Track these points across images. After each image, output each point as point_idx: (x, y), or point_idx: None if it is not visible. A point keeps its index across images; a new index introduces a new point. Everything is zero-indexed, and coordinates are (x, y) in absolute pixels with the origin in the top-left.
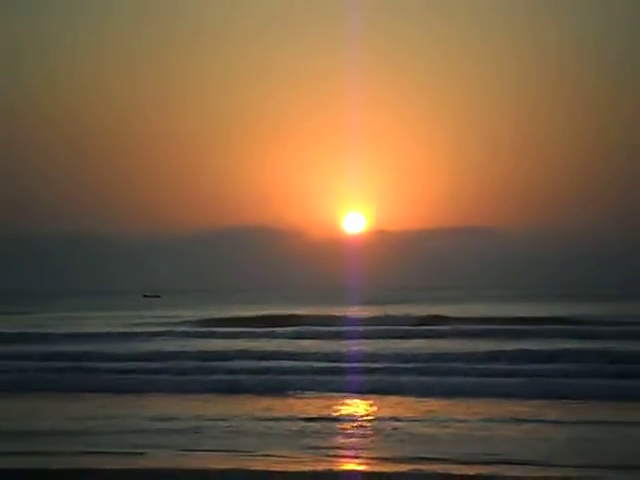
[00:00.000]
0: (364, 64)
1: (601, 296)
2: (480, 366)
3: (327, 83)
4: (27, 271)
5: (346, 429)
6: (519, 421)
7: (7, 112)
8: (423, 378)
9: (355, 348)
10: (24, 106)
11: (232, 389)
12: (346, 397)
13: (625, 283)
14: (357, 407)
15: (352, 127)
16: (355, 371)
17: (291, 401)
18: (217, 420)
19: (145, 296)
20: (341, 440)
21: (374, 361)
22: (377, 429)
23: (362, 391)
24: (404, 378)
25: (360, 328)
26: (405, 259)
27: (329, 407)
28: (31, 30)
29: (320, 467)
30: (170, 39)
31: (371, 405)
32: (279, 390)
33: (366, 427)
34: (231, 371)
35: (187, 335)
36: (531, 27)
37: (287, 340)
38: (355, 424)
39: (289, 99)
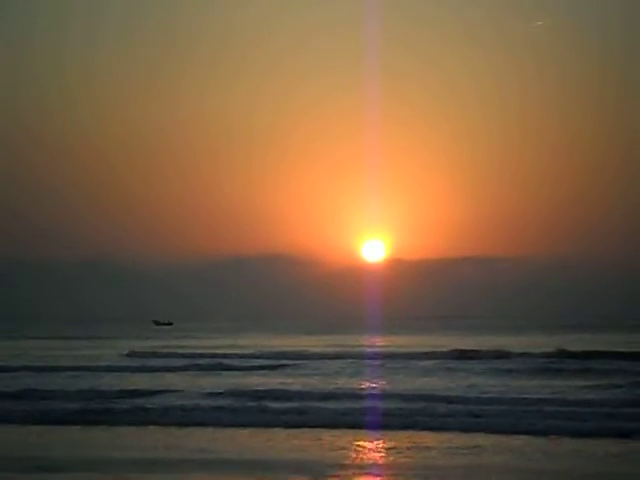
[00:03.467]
0: (383, 95)
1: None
2: None
3: (346, 112)
4: (42, 296)
5: None
6: None
7: (26, 136)
8: None
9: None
10: (44, 131)
11: None
12: None
13: None
14: None
15: (370, 155)
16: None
17: None
18: None
19: (156, 323)
20: None
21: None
22: None
23: None
24: None
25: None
26: (422, 288)
27: None
28: (47, 55)
29: None
30: (189, 63)
31: None
32: None
33: None
34: None
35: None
36: (555, 61)
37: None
38: None
39: (310, 128)
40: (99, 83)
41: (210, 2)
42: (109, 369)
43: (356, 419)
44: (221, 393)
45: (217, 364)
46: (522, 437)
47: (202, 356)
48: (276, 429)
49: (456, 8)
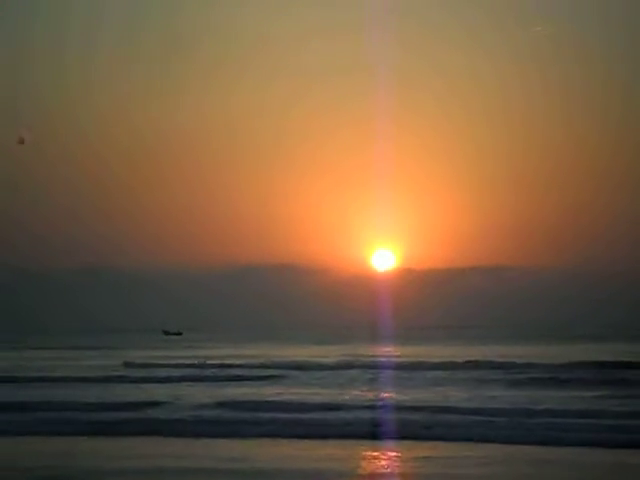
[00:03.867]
0: (392, 104)
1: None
2: None
3: (355, 121)
4: (46, 306)
5: None
6: None
7: (29, 145)
8: None
9: None
10: (44, 136)
11: None
12: None
13: None
14: None
15: (379, 165)
16: None
17: None
18: None
19: (166, 333)
20: None
21: None
22: None
23: None
24: None
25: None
26: (431, 298)
27: None
28: (47, 58)
29: None
30: (194, 68)
31: None
32: None
33: None
34: None
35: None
36: (560, 74)
37: None
38: None
39: (320, 136)
40: (100, 87)
41: (214, 4)
42: (103, 380)
43: (361, 430)
44: (208, 405)
45: (213, 375)
46: (532, 448)
47: (202, 367)
48: (271, 439)
49: (461, 13)
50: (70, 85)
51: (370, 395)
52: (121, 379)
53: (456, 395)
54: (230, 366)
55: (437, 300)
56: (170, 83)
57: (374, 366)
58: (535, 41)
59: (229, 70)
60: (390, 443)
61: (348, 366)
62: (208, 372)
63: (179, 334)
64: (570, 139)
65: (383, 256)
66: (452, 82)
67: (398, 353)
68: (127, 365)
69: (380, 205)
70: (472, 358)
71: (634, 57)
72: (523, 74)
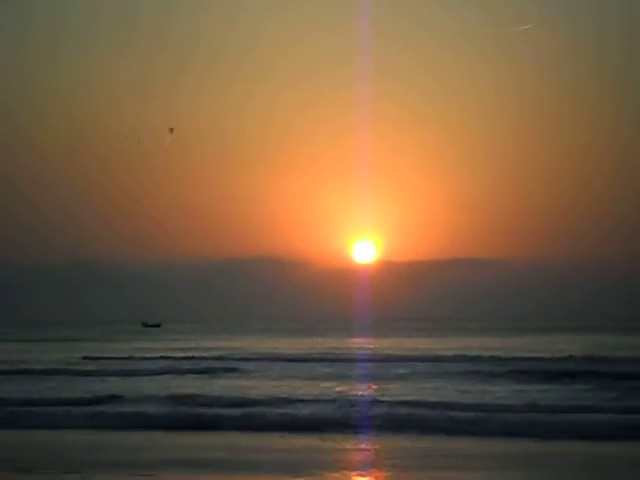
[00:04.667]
0: (374, 99)
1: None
2: None
3: (337, 115)
4: (32, 299)
5: None
6: None
7: (21, 137)
8: None
9: None
10: (39, 132)
11: None
12: None
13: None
14: None
15: (361, 157)
16: None
17: None
18: None
19: (145, 325)
20: None
21: None
22: None
23: None
24: None
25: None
26: (412, 290)
27: None
28: (42, 58)
29: None
30: (185, 67)
31: None
32: None
33: None
34: None
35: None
36: (553, 64)
37: None
38: None
39: (301, 130)
40: (95, 85)
41: (204, 8)
42: (56, 373)
43: (295, 423)
44: (148, 398)
45: (171, 367)
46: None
47: (165, 359)
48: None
49: (449, 8)
50: (65, 81)
51: (317, 389)
52: (75, 373)
53: (411, 388)
54: (192, 358)
55: (417, 292)
56: (159, 78)
57: (340, 359)
58: (528, 37)
59: (216, 65)
60: (337, 436)
61: (312, 359)
62: (165, 365)
63: (158, 326)
64: (556, 133)
65: (364, 248)
66: (435, 76)
67: (371, 346)
68: (86, 358)
69: (361, 197)
70: (445, 352)
71: (626, 53)
72: (497, 67)
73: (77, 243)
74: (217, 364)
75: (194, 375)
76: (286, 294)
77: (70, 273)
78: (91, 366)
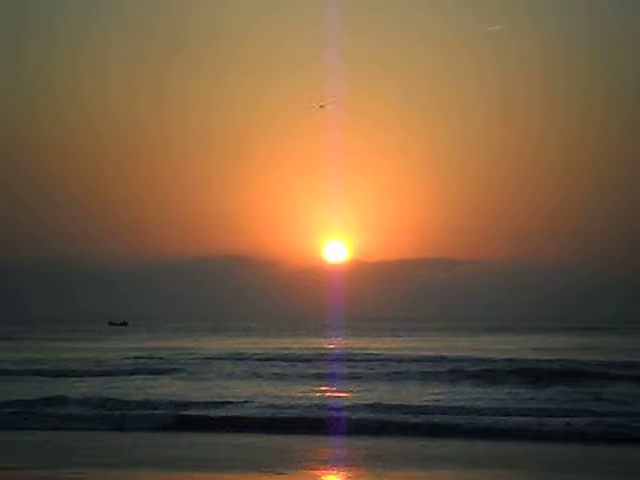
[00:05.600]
0: (346, 96)
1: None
2: None
3: (311, 116)
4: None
5: None
6: None
7: (9, 132)
8: None
9: None
10: (28, 128)
11: None
12: None
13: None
14: None
15: (331, 157)
16: None
17: None
18: None
19: (111, 324)
20: None
21: None
22: None
23: None
24: None
25: None
26: (381, 290)
27: None
28: (33, 55)
29: None
30: (171, 69)
31: None
32: None
33: None
34: None
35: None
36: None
37: None
38: None
39: (273, 130)
40: (84, 83)
41: (193, 6)
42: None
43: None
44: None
45: (115, 368)
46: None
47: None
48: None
49: (435, 5)
50: (56, 78)
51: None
52: (9, 373)
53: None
54: (140, 358)
55: (386, 292)
56: (148, 78)
57: (290, 359)
58: (515, 34)
59: (203, 64)
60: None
61: (265, 358)
62: (108, 366)
63: (124, 324)
64: (533, 132)
65: (335, 248)
66: (415, 73)
67: (332, 345)
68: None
69: (332, 197)
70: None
71: (618, 55)
72: (494, 65)
73: (43, 241)
74: (165, 364)
75: (138, 376)
76: (256, 293)
77: (35, 272)
78: (34, 366)
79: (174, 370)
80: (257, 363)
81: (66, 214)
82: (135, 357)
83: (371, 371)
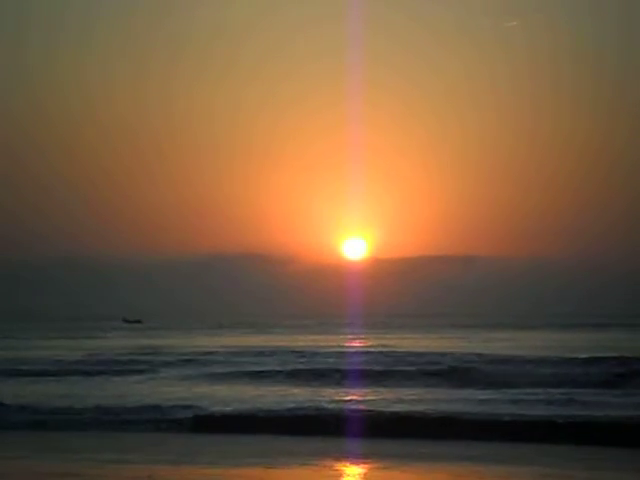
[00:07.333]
0: (364, 94)
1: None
2: None
3: (327, 110)
4: (17, 295)
5: None
6: None
7: (16, 132)
8: None
9: None
10: (35, 126)
11: None
12: None
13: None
14: None
15: (351, 152)
16: None
17: None
18: None
19: (126, 321)
20: None
21: None
22: None
23: None
24: None
25: None
26: (399, 287)
27: None
28: (38, 52)
29: None
30: (178, 67)
31: None
32: None
33: None
34: None
35: None
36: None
37: None
38: None
39: (290, 124)
40: (90, 80)
41: (197, 4)
42: None
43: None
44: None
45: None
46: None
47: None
48: None
49: (446, 1)
50: (61, 74)
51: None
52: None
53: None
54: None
55: (406, 289)
56: (154, 74)
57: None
58: (526, 31)
59: (211, 59)
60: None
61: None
62: (99, 366)
63: (139, 322)
64: (552, 129)
65: (354, 244)
66: (430, 70)
67: (352, 343)
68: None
69: (351, 194)
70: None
71: (624, 53)
72: (505, 62)
73: (61, 239)
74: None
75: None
76: (274, 291)
77: (52, 270)
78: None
79: (189, 363)
80: (270, 359)
81: (76, 214)
82: (147, 353)
83: (392, 368)
